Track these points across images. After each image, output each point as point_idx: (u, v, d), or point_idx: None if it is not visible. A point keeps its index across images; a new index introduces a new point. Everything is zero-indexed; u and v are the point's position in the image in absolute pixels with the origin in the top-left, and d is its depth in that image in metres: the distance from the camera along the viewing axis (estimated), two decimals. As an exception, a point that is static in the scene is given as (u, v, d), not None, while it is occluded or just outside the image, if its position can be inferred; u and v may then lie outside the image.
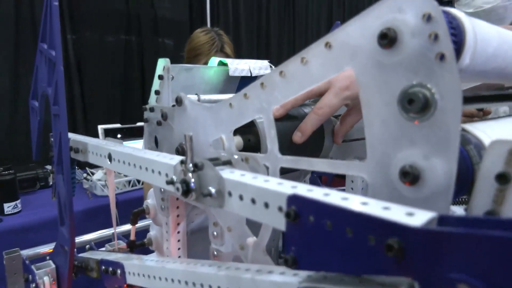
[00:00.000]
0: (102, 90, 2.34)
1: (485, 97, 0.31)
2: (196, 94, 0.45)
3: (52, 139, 0.50)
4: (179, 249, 0.52)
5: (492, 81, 0.35)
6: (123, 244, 0.56)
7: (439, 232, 0.16)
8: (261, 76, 0.58)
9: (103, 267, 0.43)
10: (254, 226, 0.35)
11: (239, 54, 3.03)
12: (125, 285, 0.41)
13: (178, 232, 0.52)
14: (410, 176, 0.22)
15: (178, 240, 0.52)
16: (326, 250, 0.20)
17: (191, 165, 0.27)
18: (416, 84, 0.22)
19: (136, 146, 0.52)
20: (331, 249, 0.19)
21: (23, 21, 2.07)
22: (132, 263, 0.40)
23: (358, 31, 0.24)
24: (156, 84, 0.48)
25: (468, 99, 0.30)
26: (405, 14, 0.22)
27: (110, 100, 2.36)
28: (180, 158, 0.35)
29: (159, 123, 0.47)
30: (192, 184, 0.27)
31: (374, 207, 0.19)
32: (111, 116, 2.33)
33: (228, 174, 0.27)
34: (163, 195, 0.49)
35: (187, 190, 0.27)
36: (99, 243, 1.02)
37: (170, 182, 0.28)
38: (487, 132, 0.26)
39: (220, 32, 1.28)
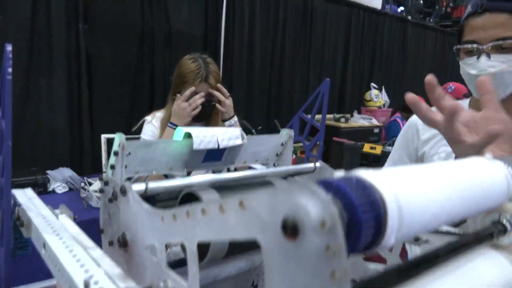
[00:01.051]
0: (110, 100, 2.36)
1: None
2: (145, 181, 0.43)
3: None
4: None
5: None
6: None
7: None
8: (230, 147, 0.55)
9: None
10: None
11: (252, 67, 3.01)
12: None
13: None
14: None
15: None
16: None
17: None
18: (312, 294, 0.19)
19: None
20: None
21: (39, 25, 2.10)
22: None
23: (268, 206, 0.22)
24: (112, 159, 0.47)
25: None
26: (310, 212, 0.19)
27: (117, 111, 2.38)
28: (90, 265, 0.33)
29: (110, 200, 0.46)
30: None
31: None
32: (117, 126, 2.34)
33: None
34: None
35: None
36: None
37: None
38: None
39: (208, 61, 1.29)
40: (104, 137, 2.21)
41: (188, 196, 0.48)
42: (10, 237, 0.42)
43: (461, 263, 0.31)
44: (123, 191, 0.40)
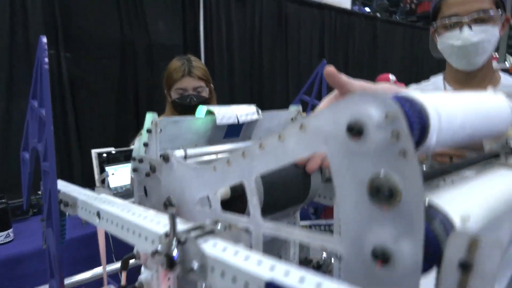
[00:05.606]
0: (96, 112, 2.36)
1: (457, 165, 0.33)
2: (183, 148, 0.46)
3: (42, 187, 0.51)
4: (169, 296, 0.52)
5: (464, 146, 0.37)
6: (113, 290, 0.57)
7: None
8: (248, 122, 0.59)
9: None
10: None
11: (232, 74, 3.06)
12: None
13: (169, 279, 0.53)
14: (380, 257, 0.23)
15: (169, 287, 0.52)
16: None
17: (174, 239, 0.28)
18: (383, 175, 0.23)
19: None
20: None
21: (17, 49, 2.09)
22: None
23: (329, 119, 0.26)
24: (145, 136, 0.50)
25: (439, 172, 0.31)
26: (371, 110, 0.24)
27: (104, 123, 2.38)
28: (165, 220, 0.36)
29: (147, 174, 0.49)
30: (175, 257, 0.28)
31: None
32: (105, 139, 2.34)
33: (210, 248, 0.28)
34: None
35: (171, 264, 0.28)
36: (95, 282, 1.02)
37: (155, 253, 0.30)
38: (453, 204, 0.27)
39: (192, 59, 1.38)
40: (94, 152, 2.19)
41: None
42: (58, 218, 0.44)
43: (474, 175, 0.36)
44: (166, 158, 0.43)
